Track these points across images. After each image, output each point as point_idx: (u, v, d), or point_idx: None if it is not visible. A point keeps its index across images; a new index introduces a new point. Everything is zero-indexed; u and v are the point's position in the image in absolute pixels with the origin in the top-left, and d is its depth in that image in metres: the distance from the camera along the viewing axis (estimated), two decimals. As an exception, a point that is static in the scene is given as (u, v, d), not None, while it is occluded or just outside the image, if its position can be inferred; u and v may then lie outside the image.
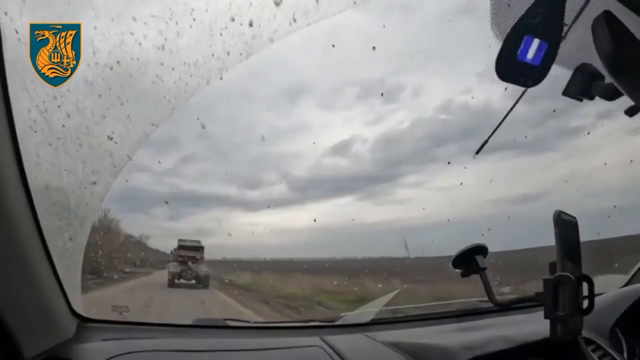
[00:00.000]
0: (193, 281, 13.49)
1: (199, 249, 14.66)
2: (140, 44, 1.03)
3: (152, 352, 1.12)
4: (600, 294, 1.65)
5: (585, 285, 1.11)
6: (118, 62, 1.02)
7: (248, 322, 1.56)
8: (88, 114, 1.03)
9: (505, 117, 1.28)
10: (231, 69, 1.08)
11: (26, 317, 0.93)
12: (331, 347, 1.23)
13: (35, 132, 0.97)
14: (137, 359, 1.07)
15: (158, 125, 1.09)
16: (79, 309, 1.21)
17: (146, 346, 1.14)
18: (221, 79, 1.10)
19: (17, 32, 0.94)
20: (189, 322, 1.44)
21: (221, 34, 1.06)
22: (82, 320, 1.22)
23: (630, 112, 0.96)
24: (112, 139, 1.08)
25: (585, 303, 1.10)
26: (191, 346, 1.19)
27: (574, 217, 1.18)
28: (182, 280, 13.45)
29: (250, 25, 1.06)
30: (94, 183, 1.10)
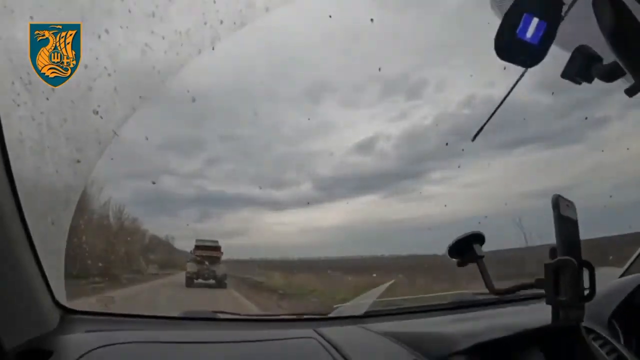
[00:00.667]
0: (211, 281, 13.61)
1: (217, 248, 14.85)
2: (129, 11, 0.98)
3: (136, 343, 1.06)
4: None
5: (586, 272, 1.08)
6: (106, 31, 0.97)
7: (238, 314, 1.50)
8: (73, 85, 0.98)
9: (502, 101, 1.27)
10: (224, 38, 1.04)
11: (7, 308, 0.89)
12: (325, 339, 1.18)
13: (19, 105, 0.92)
14: (120, 350, 1.01)
15: (147, 98, 1.04)
16: (63, 300, 1.16)
17: (130, 338, 1.07)
18: (213, 48, 1.05)
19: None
20: (176, 314, 1.38)
21: (215, 2, 1.02)
22: (66, 311, 1.17)
23: (630, 92, 0.94)
24: (97, 113, 1.02)
25: (587, 290, 1.07)
26: (178, 338, 1.13)
27: (572, 202, 1.16)
28: (200, 280, 13.53)
29: None
30: (78, 161, 1.04)
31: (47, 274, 1.04)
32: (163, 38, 1.02)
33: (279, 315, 1.50)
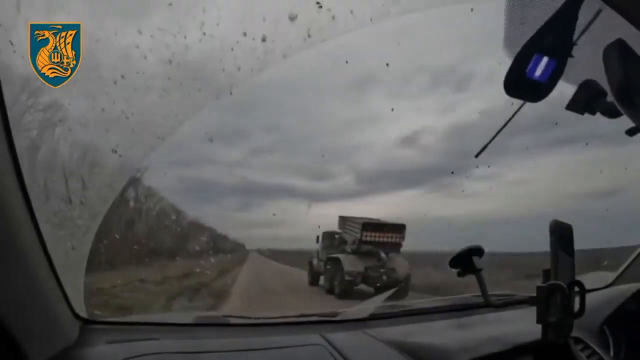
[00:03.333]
0: (378, 285, 8.71)
1: (399, 229, 9.62)
2: (145, 58, 1.05)
3: (157, 354, 1.18)
4: (591, 290, 1.81)
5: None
6: (122, 77, 1.04)
7: (248, 318, 1.61)
8: (91, 127, 1.06)
9: (506, 124, 1.37)
10: (242, 83, 1.12)
11: (29, 323, 0.97)
12: (332, 345, 1.32)
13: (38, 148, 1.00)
14: None
15: (164, 139, 1.13)
16: (82, 311, 1.26)
17: (151, 348, 1.19)
18: (231, 93, 1.13)
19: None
20: (190, 320, 1.52)
21: (232, 49, 1.09)
22: (85, 322, 1.27)
23: (630, 132, 1.03)
24: (116, 152, 1.12)
25: (577, 307, 1.23)
26: (194, 347, 1.25)
27: (569, 225, 1.29)
28: (362, 286, 9.06)
29: (263, 40, 1.09)
30: (98, 194, 1.14)
31: (65, 288, 1.12)
32: (181, 84, 1.09)
33: (287, 317, 1.63)
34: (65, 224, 1.11)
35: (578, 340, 1.47)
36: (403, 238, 9.63)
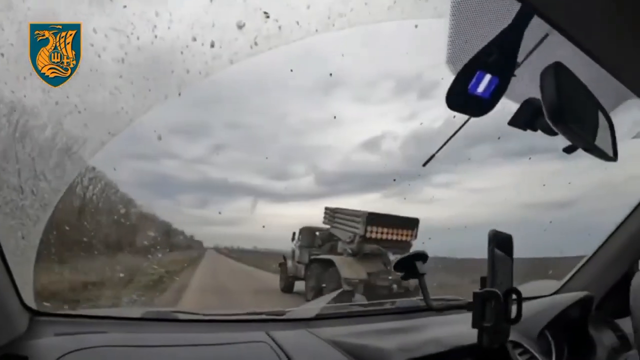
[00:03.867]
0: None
1: (412, 224, 7.84)
2: (99, 56, 1.09)
3: (104, 347, 1.21)
4: (535, 297, 1.90)
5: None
6: (77, 73, 1.08)
7: (197, 314, 1.65)
8: (45, 119, 1.09)
9: (453, 135, 1.43)
10: (190, 85, 1.16)
11: None
12: (276, 343, 1.37)
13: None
14: (90, 355, 1.16)
15: (115, 135, 1.16)
16: (31, 302, 1.28)
17: (98, 341, 1.22)
18: (179, 94, 1.17)
19: None
20: (138, 314, 1.55)
21: (182, 52, 1.14)
22: (34, 314, 1.30)
23: (567, 150, 1.09)
24: (68, 144, 1.15)
25: (514, 313, 1.29)
26: (142, 341, 1.29)
27: (509, 235, 1.36)
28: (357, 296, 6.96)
29: (212, 46, 1.14)
30: (49, 185, 1.17)
31: (15, 280, 1.14)
32: (132, 83, 1.13)
33: (235, 314, 1.68)
34: (16, 213, 1.14)
35: (517, 345, 1.54)
36: (415, 237, 8.00)
